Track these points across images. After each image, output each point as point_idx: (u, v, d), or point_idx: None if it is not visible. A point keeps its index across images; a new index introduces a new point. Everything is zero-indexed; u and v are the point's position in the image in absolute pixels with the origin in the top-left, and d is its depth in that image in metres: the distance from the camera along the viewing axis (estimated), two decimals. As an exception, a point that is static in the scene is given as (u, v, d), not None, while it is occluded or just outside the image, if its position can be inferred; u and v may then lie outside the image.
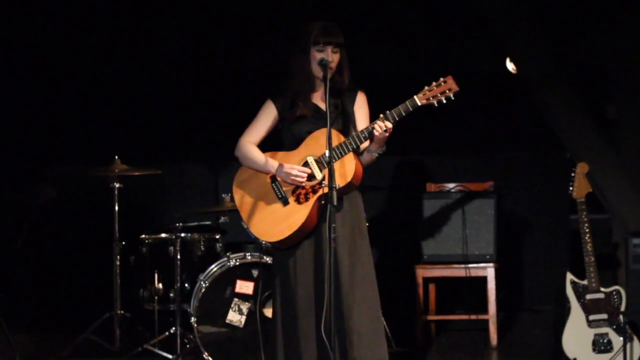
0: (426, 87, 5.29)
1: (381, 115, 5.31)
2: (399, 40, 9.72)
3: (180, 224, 7.44)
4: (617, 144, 8.37)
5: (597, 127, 8.40)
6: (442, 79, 5.28)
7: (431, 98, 5.26)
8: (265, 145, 5.64)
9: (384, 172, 9.02)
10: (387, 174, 9.07)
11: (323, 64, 5.36)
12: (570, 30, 9.15)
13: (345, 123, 5.52)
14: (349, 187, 5.36)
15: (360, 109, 5.58)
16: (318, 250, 5.43)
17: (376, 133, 5.28)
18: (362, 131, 5.34)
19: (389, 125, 5.27)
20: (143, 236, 7.61)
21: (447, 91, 5.25)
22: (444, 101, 5.26)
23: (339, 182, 5.25)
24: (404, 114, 5.26)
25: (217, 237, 7.55)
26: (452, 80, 5.26)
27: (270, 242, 5.53)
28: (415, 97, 5.27)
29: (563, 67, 8.44)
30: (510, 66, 9.21)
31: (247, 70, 9.55)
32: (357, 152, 5.44)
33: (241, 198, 5.58)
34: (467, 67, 9.76)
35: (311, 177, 5.42)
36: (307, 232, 5.44)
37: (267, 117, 5.62)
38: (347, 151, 5.33)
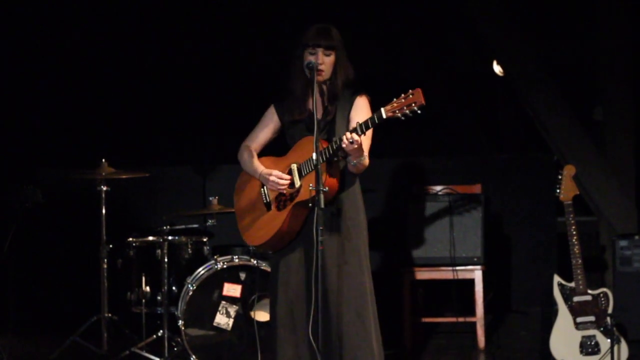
0: (394, 99, 5.17)
1: (352, 127, 5.29)
2: (387, 42, 9.73)
3: (168, 226, 7.43)
4: (604, 146, 8.41)
5: (584, 129, 8.43)
6: (410, 92, 5.16)
7: (397, 111, 5.14)
8: (277, 147, 5.67)
9: (371, 174, 8.99)
10: (374, 177, 9.05)
11: (310, 67, 5.35)
12: (556, 33, 9.18)
13: (332, 131, 5.48)
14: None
15: (358, 114, 5.48)
16: (306, 254, 5.45)
17: (343, 145, 5.25)
18: (335, 141, 5.32)
19: (355, 137, 5.19)
20: (130, 239, 7.59)
21: (413, 104, 5.12)
22: (410, 114, 5.14)
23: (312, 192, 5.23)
24: (370, 126, 5.21)
25: (205, 240, 7.54)
26: (420, 93, 5.12)
27: (253, 246, 5.58)
28: (382, 109, 5.18)
29: (550, 70, 8.46)
30: (497, 69, 9.24)
31: (235, 74, 9.55)
32: (335, 162, 5.41)
33: (238, 200, 5.70)
34: (455, 69, 9.78)
35: (293, 184, 5.44)
36: (286, 238, 5.47)
37: (267, 123, 5.66)
38: (320, 161, 5.31)
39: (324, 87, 5.51)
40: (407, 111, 5.14)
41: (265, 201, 5.53)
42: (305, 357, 5.42)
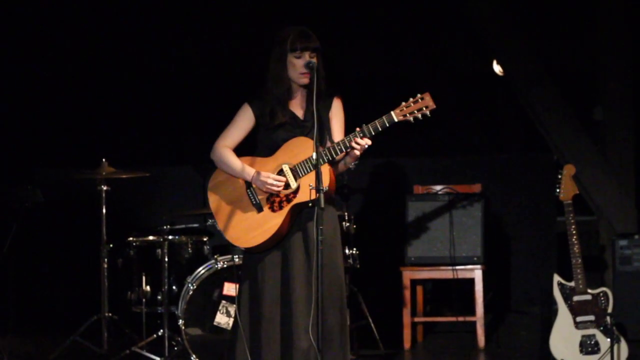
0: (403, 103, 5.28)
1: (357, 129, 5.29)
2: (387, 42, 9.74)
3: (168, 226, 7.43)
4: (604, 146, 8.41)
5: (584, 129, 8.43)
6: (419, 96, 5.27)
7: (408, 114, 5.26)
8: (242, 147, 5.65)
9: (372, 174, 9.03)
10: (376, 176, 9.08)
11: (310, 67, 5.34)
12: (557, 33, 9.19)
13: (321, 131, 5.49)
14: (324, 195, 5.33)
15: (336, 115, 5.55)
16: (287, 255, 5.44)
17: (356, 152, 5.29)
18: (338, 144, 5.32)
19: (368, 142, 5.27)
20: (131, 239, 7.59)
21: (424, 108, 5.25)
22: (420, 118, 5.26)
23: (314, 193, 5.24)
24: (380, 129, 5.27)
25: (205, 239, 7.54)
26: (430, 97, 5.26)
27: (243, 248, 5.52)
28: (392, 112, 5.26)
29: (550, 69, 8.47)
30: (497, 69, 9.24)
31: (235, 74, 9.56)
32: (332, 163, 5.43)
33: (215, 201, 5.58)
34: (455, 69, 9.79)
35: (286, 185, 5.42)
36: (279, 239, 5.44)
37: (243, 122, 5.59)
38: (322, 162, 5.31)
39: (306, 89, 5.51)
40: (419, 115, 5.26)
41: (254, 202, 5.48)
42: (276, 357, 5.42)
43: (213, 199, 5.60)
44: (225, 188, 5.58)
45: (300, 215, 5.41)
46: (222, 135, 5.62)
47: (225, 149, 5.57)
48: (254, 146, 5.61)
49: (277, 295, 5.43)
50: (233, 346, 5.53)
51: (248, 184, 5.49)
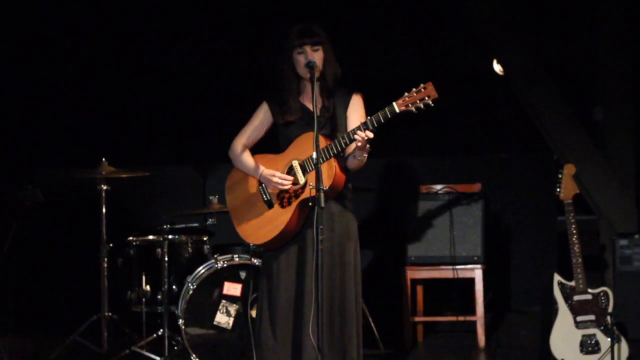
0: (406, 94, 5.25)
1: (361, 122, 5.29)
2: (387, 42, 9.73)
3: (168, 225, 7.44)
4: (604, 146, 8.42)
5: (584, 128, 8.44)
6: (422, 85, 5.24)
7: (410, 105, 5.21)
8: (265, 145, 5.66)
9: (371, 173, 9.02)
10: (375, 176, 9.07)
11: (310, 66, 5.35)
12: (557, 32, 9.18)
13: (334, 127, 5.50)
14: (329, 191, 5.34)
15: (355, 112, 5.54)
16: (302, 254, 5.44)
17: (358, 144, 5.27)
18: (342, 137, 5.32)
19: (370, 135, 5.24)
20: (130, 238, 7.60)
21: (427, 98, 5.20)
22: (423, 108, 5.22)
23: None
24: (382, 121, 5.24)
25: (205, 239, 7.55)
26: (432, 87, 5.22)
27: (254, 245, 5.56)
28: (394, 103, 5.24)
29: (550, 69, 8.47)
30: (497, 68, 9.23)
31: (234, 73, 9.54)
32: (340, 157, 5.42)
33: (232, 199, 5.64)
34: (454, 68, 9.78)
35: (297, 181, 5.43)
36: (290, 236, 5.46)
37: (261, 119, 5.64)
38: (329, 156, 5.32)
39: (318, 83, 5.50)
40: (421, 105, 5.22)
41: (265, 199, 5.51)
42: (287, 358, 5.43)
43: (229, 197, 5.67)
44: (241, 186, 5.63)
45: (313, 212, 5.39)
46: (240, 133, 5.67)
47: (240, 146, 5.62)
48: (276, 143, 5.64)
49: (289, 296, 5.45)
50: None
51: (260, 182, 5.52)
